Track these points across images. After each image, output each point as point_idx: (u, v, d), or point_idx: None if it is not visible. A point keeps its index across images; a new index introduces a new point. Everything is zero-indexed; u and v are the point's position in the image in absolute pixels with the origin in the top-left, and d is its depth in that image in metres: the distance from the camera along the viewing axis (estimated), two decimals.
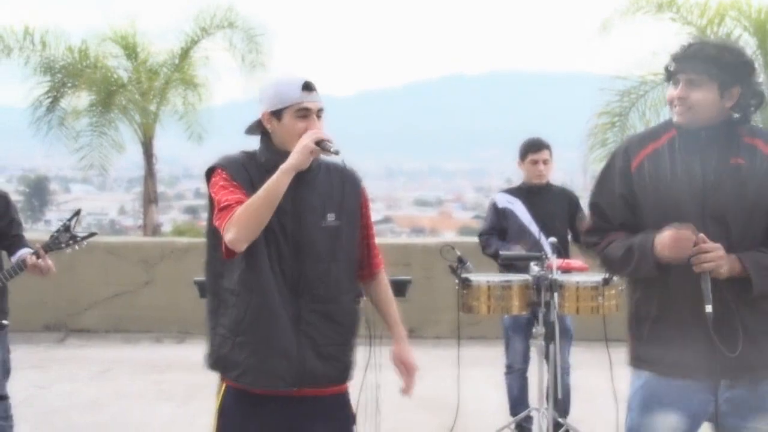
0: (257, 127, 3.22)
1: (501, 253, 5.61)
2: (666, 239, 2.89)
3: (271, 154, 3.15)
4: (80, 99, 14.61)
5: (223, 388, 3.21)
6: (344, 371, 3.29)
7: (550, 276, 4.93)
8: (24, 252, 4.56)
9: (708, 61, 2.99)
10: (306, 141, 3.02)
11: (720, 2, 12.16)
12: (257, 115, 3.19)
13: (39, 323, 9.41)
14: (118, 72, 14.85)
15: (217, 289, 3.20)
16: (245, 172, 3.14)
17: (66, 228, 4.54)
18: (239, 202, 3.01)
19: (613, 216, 3.14)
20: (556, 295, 4.95)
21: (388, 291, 3.52)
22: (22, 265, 4.51)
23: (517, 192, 5.98)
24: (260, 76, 14.66)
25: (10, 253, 4.66)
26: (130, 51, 14.70)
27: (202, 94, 15.32)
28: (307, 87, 3.12)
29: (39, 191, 69.04)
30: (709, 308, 2.87)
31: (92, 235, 4.67)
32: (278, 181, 2.99)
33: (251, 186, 3.07)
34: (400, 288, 5.53)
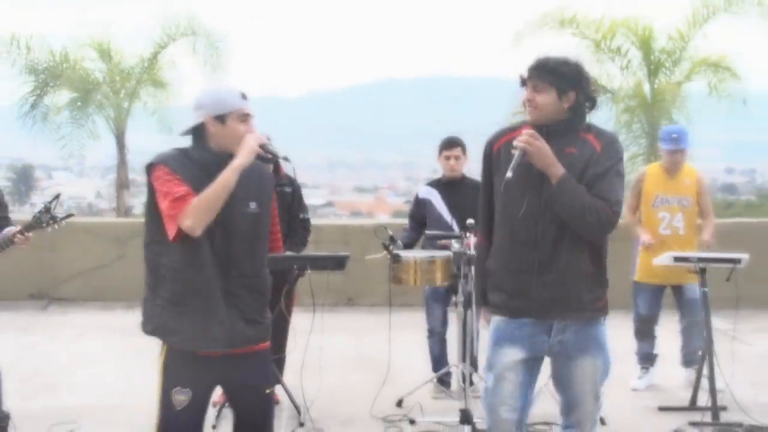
0: (191, 130, 3.25)
1: (427, 232, 5.69)
2: None
3: (206, 153, 3.20)
4: (61, 96, 14.63)
5: (165, 349, 3.26)
6: (266, 331, 3.38)
7: (467, 252, 4.97)
8: (9, 230, 4.53)
9: (549, 71, 3.32)
10: (252, 144, 3.14)
11: (612, 20, 12.32)
12: (194, 119, 3.22)
13: (24, 293, 9.28)
14: (95, 73, 14.76)
15: (157, 267, 3.23)
16: (182, 166, 3.16)
17: (46, 210, 4.49)
18: (190, 194, 3.06)
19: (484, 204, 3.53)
20: (473, 268, 4.99)
21: None
22: (8, 242, 4.48)
23: (436, 184, 6.03)
24: (220, 78, 14.71)
25: None
26: (105, 55, 14.63)
27: (169, 93, 15.31)
28: (244, 96, 3.24)
29: (25, 178, 67.81)
30: (509, 174, 3.20)
31: (69, 216, 4.62)
32: (229, 177, 3.08)
33: (186, 177, 3.12)
34: (340, 262, 5.54)
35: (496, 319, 3.45)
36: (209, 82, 14.87)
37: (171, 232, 3.09)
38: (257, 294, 3.32)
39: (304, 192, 5.95)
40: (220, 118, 3.17)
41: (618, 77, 12.47)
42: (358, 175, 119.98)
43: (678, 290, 6.09)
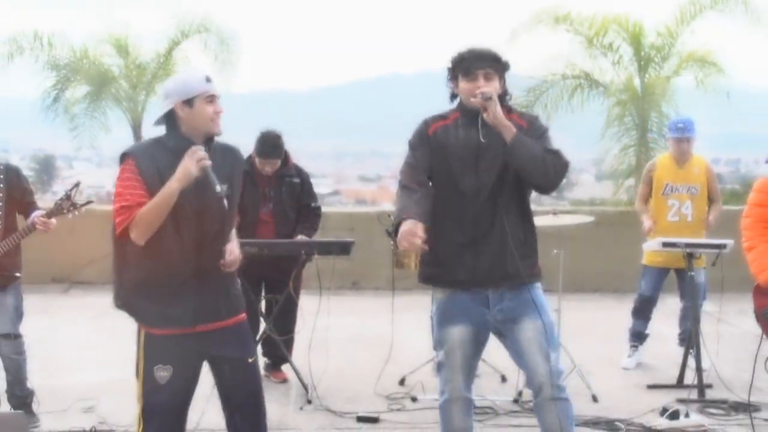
0: (163, 119, 3.24)
1: None
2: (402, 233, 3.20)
3: (178, 140, 3.19)
4: (81, 91, 14.68)
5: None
6: (239, 303, 3.38)
7: None
8: (36, 214, 4.53)
9: (495, 60, 3.41)
10: (190, 168, 3.08)
11: (604, 17, 12.25)
12: (164, 108, 3.21)
13: (47, 276, 9.31)
14: (112, 68, 14.77)
15: (121, 251, 3.23)
16: (153, 159, 3.15)
17: (67, 197, 4.50)
18: (139, 204, 3.07)
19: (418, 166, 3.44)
20: None
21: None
22: (31, 227, 4.49)
23: None
24: (230, 73, 14.72)
25: (26, 217, 4.63)
26: (123, 51, 14.63)
27: None
28: (209, 79, 3.24)
29: (47, 168, 67.90)
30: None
31: (89, 203, 4.62)
32: (169, 195, 3.07)
33: (157, 172, 3.11)
34: (345, 248, 5.55)
35: (437, 299, 3.49)
36: (219, 76, 14.94)
37: (116, 231, 3.13)
38: (226, 271, 3.31)
39: (312, 181, 5.94)
40: (188, 102, 3.16)
41: (610, 72, 12.42)
42: (363, 165, 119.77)
43: (681, 274, 6.06)
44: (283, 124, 5.47)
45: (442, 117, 3.50)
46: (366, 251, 7.89)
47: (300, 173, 5.77)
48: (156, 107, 15.73)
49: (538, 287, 3.47)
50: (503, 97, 3.43)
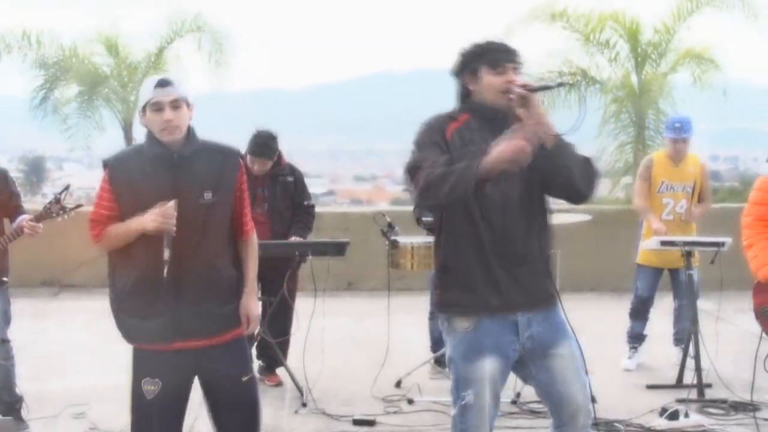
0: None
1: (423, 219, 5.63)
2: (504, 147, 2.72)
3: (150, 145, 3.14)
4: (70, 90, 14.62)
5: None
6: (223, 323, 3.19)
7: None
8: (22, 218, 4.51)
9: (519, 56, 3.02)
10: (149, 225, 3.02)
11: (601, 14, 12.26)
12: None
13: (36, 280, 9.28)
14: (102, 68, 14.74)
15: (110, 260, 3.24)
16: (127, 170, 3.12)
17: (57, 200, 4.47)
18: (106, 219, 3.13)
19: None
20: None
21: (250, 251, 3.35)
22: (19, 231, 4.47)
23: None
24: (225, 73, 14.71)
25: (12, 221, 4.60)
26: (113, 49, 14.60)
27: None
28: (161, 84, 3.07)
29: (36, 169, 67.64)
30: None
31: (78, 206, 4.60)
32: (126, 234, 3.09)
33: (128, 184, 3.09)
34: (340, 248, 5.54)
35: (459, 329, 3.02)
36: (213, 76, 14.94)
37: (91, 237, 3.19)
38: (210, 285, 3.14)
39: (306, 180, 5.94)
40: (143, 110, 3.12)
41: (606, 69, 12.41)
42: (359, 164, 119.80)
43: (674, 273, 6.10)
44: (277, 123, 5.47)
45: (450, 117, 3.04)
46: (361, 252, 7.88)
47: (293, 171, 5.78)
48: None
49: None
50: None
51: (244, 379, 3.24)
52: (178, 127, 3.08)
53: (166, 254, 3.03)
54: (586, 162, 2.98)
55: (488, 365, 2.97)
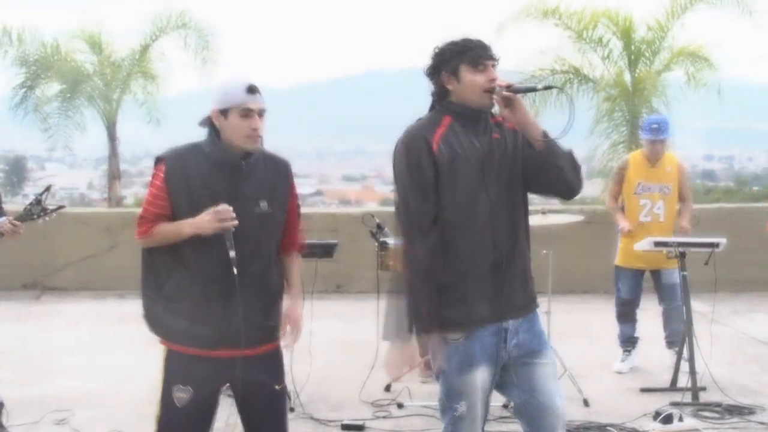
0: (207, 121, 3.12)
1: None
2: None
3: (216, 148, 3.07)
4: (52, 88, 14.58)
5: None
6: (270, 333, 3.19)
7: None
8: (2, 220, 4.47)
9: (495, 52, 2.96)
10: (207, 227, 2.99)
11: (593, 11, 12.32)
12: (209, 108, 3.09)
13: (17, 283, 9.26)
14: (85, 65, 14.69)
15: (149, 260, 3.17)
16: (184, 168, 3.06)
17: (38, 201, 4.43)
18: (156, 217, 3.07)
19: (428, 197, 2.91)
20: None
21: (294, 268, 3.34)
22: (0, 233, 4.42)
23: None
24: (210, 70, 14.71)
25: None
26: (96, 47, 14.57)
27: (159, 85, 15.28)
28: (251, 90, 3.03)
29: (17, 169, 67.29)
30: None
31: (60, 207, 4.57)
32: (177, 234, 3.03)
33: (185, 183, 3.04)
34: (328, 250, 5.54)
35: (451, 342, 2.96)
36: (199, 73, 14.91)
37: (136, 234, 3.15)
38: (260, 295, 3.13)
39: (294, 181, 5.93)
40: (223, 113, 3.04)
41: (599, 67, 12.49)
42: (347, 164, 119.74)
43: (656, 275, 6.13)
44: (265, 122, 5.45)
45: (433, 124, 2.96)
46: (350, 253, 7.89)
47: None
48: (131, 106, 15.72)
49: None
50: None
51: (278, 387, 3.23)
52: (261, 137, 3.09)
53: (232, 254, 3.00)
54: (570, 155, 2.96)
55: (480, 376, 2.96)
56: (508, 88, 2.84)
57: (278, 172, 3.21)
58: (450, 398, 3.00)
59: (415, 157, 2.90)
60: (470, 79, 2.90)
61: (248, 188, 3.08)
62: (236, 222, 3.00)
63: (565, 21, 12.31)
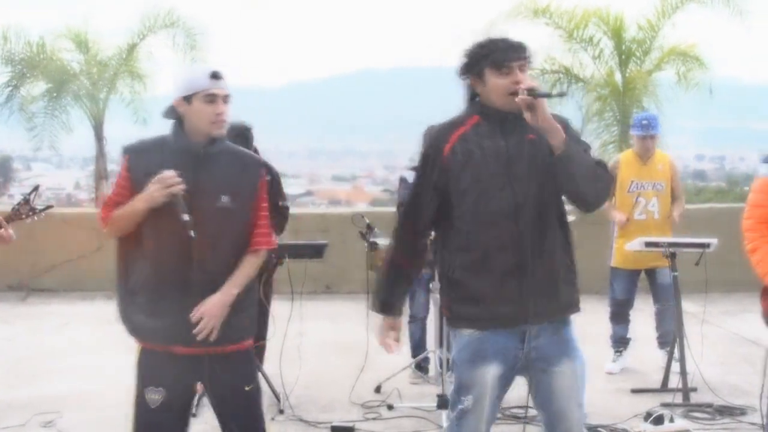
0: (172, 112, 3.13)
1: None
2: None
3: (179, 138, 3.10)
4: (38, 87, 14.50)
5: (138, 346, 3.18)
6: (233, 332, 3.13)
7: None
8: None
9: (528, 51, 2.98)
10: (155, 194, 2.99)
11: (585, 10, 12.33)
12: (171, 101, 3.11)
13: (3, 284, 9.25)
14: (72, 64, 14.63)
15: (119, 254, 3.18)
16: (147, 160, 3.08)
17: (26, 201, 4.42)
18: (117, 204, 3.08)
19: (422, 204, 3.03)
20: None
21: (246, 263, 3.21)
22: None
23: None
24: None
25: None
26: (82, 45, 14.51)
27: (146, 84, 15.23)
28: (215, 75, 3.06)
29: (3, 169, 66.94)
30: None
31: (49, 207, 4.56)
32: (132, 212, 3.04)
33: (146, 173, 3.03)
34: (318, 250, 5.55)
35: (465, 335, 3.02)
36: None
37: (100, 222, 3.17)
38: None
39: (284, 181, 5.95)
40: (187, 99, 3.05)
41: (590, 66, 12.50)
42: (338, 164, 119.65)
43: (651, 274, 6.17)
44: (253, 122, 5.45)
45: (456, 124, 3.00)
46: (340, 254, 7.90)
47: (270, 171, 5.77)
48: (118, 105, 15.70)
49: (572, 320, 3.12)
50: None
51: (247, 388, 3.20)
52: (226, 122, 3.11)
53: (186, 217, 2.96)
54: (597, 167, 2.92)
55: (491, 371, 2.97)
56: (529, 92, 2.82)
57: (245, 169, 3.20)
58: (458, 391, 3.05)
59: (427, 154, 3.02)
60: (494, 83, 2.93)
61: (209, 180, 3.08)
62: (183, 186, 3.00)
63: (555, 20, 12.33)
